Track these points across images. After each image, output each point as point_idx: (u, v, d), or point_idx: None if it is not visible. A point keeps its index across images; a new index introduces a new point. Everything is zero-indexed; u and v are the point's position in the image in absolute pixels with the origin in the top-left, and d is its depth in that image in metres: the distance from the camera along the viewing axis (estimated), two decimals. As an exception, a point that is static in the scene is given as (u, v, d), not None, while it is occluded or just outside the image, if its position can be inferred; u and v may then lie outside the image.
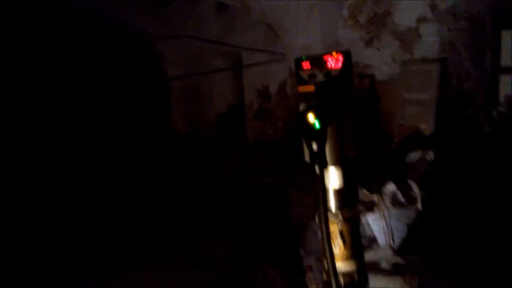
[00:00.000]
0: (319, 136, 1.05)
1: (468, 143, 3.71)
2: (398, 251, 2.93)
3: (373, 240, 3.01)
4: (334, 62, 1.13)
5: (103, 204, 4.87)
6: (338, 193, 1.14)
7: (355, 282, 1.15)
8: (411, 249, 2.97)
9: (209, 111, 7.07)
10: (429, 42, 4.26)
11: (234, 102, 6.89)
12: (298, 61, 1.19)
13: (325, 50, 4.21)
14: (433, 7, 4.17)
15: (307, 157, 1.09)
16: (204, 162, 5.90)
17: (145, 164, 5.83)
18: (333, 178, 1.13)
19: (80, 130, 5.84)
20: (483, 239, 2.85)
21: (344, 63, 1.12)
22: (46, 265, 3.74)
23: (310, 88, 1.15)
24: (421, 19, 4.28)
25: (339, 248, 1.13)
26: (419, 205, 3.10)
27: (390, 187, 3.20)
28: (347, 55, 1.13)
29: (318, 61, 1.15)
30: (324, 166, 1.07)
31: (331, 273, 1.02)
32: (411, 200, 3.16)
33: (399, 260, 2.84)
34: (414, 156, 3.61)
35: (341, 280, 1.11)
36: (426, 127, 4.13)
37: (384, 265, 2.80)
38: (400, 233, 3.02)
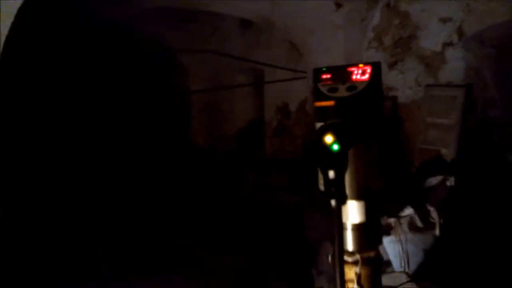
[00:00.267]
0: (337, 161, 0.83)
1: (491, 171, 3.62)
2: (413, 277, 2.86)
3: (387, 264, 2.95)
4: (360, 73, 0.96)
5: (119, 215, 4.89)
6: (358, 228, 0.93)
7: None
8: (427, 274, 2.89)
9: (229, 126, 7.13)
10: (455, 67, 4.22)
11: (254, 118, 6.93)
12: (317, 72, 1.03)
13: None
14: (460, 32, 4.14)
15: (321, 186, 0.88)
16: (222, 177, 5.91)
17: (163, 175, 5.87)
18: (353, 212, 0.93)
19: (101, 138, 5.95)
20: (501, 269, 2.76)
21: (372, 75, 0.95)
22: (47, 267, 3.75)
23: (329, 103, 0.98)
24: (447, 44, 4.25)
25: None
26: (437, 231, 3.03)
27: (408, 211, 3.15)
28: (376, 66, 0.96)
29: (341, 73, 0.99)
30: (342, 200, 0.84)
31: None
32: (429, 225, 3.10)
33: (413, 287, 2.77)
34: (434, 181, 3.54)
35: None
36: (448, 152, 4.06)
37: (398, 291, 2.73)
38: (416, 257, 2.95)
